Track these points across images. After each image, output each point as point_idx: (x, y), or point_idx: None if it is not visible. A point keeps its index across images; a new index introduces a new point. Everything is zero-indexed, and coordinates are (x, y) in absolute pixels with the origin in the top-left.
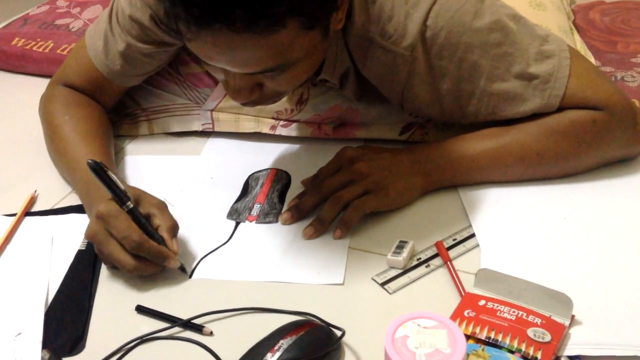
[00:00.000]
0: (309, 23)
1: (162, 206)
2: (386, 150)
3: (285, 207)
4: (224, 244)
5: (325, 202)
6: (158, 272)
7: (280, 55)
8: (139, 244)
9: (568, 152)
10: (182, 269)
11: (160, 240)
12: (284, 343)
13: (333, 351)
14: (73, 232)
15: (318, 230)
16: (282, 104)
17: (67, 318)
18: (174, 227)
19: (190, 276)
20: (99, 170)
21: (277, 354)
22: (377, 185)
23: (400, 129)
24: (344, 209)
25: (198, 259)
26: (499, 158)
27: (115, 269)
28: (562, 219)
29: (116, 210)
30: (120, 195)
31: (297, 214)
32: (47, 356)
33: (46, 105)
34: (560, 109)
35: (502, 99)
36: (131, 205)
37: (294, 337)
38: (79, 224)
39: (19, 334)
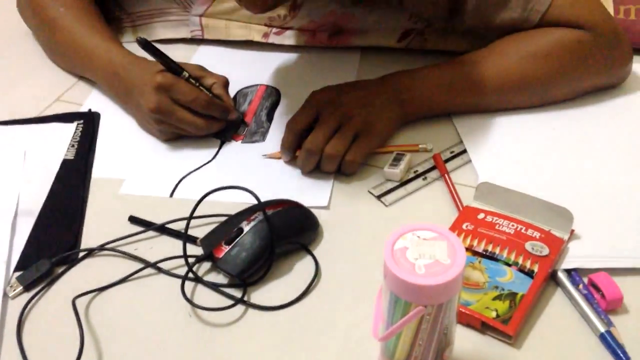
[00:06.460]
0: None
1: (204, 68)
2: (358, 84)
3: (272, 126)
4: (206, 163)
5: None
6: (222, 128)
7: None
8: (209, 102)
9: (550, 76)
10: (242, 120)
11: (218, 98)
12: (260, 215)
13: (311, 231)
14: (57, 142)
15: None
16: (275, 9)
17: (60, 227)
18: (226, 82)
19: (171, 195)
20: (151, 46)
21: (252, 223)
22: (365, 124)
23: (398, 35)
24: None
25: (179, 178)
26: (475, 86)
27: (175, 138)
28: (553, 134)
29: (175, 79)
30: (174, 66)
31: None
32: (46, 266)
33: (31, 1)
34: (542, 25)
35: None
36: (187, 74)
37: (271, 211)
38: (63, 133)
39: None
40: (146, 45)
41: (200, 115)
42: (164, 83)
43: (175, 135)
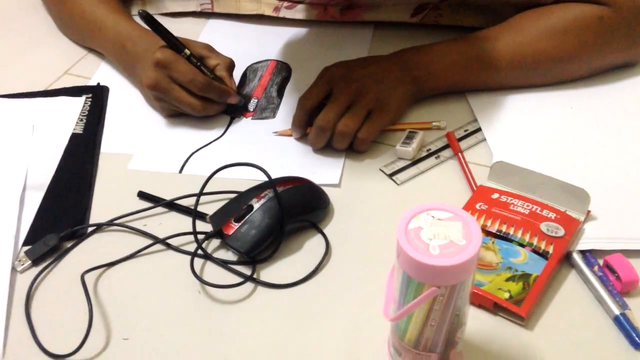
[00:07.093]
0: None
1: (211, 47)
2: (371, 59)
3: (283, 102)
4: (216, 139)
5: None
6: (221, 111)
7: None
8: (207, 84)
9: (568, 54)
10: (244, 104)
11: (219, 80)
12: (271, 193)
13: (321, 209)
14: (66, 115)
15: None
16: None
17: (68, 202)
18: (231, 65)
19: (181, 171)
20: (153, 20)
21: (262, 201)
22: (378, 101)
23: (412, 10)
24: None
25: (189, 154)
26: (491, 63)
27: (174, 116)
28: (571, 112)
29: (175, 56)
30: (175, 42)
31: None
32: (55, 240)
33: None
34: (561, 1)
35: None
36: (188, 52)
37: (281, 188)
38: (71, 106)
39: None
40: (148, 18)
41: (197, 97)
42: (162, 60)
43: (175, 112)
